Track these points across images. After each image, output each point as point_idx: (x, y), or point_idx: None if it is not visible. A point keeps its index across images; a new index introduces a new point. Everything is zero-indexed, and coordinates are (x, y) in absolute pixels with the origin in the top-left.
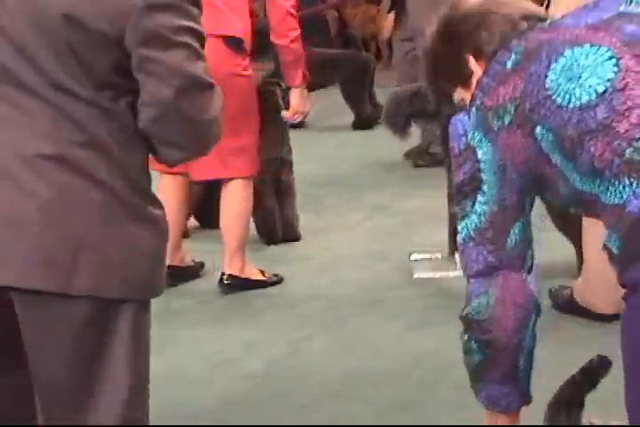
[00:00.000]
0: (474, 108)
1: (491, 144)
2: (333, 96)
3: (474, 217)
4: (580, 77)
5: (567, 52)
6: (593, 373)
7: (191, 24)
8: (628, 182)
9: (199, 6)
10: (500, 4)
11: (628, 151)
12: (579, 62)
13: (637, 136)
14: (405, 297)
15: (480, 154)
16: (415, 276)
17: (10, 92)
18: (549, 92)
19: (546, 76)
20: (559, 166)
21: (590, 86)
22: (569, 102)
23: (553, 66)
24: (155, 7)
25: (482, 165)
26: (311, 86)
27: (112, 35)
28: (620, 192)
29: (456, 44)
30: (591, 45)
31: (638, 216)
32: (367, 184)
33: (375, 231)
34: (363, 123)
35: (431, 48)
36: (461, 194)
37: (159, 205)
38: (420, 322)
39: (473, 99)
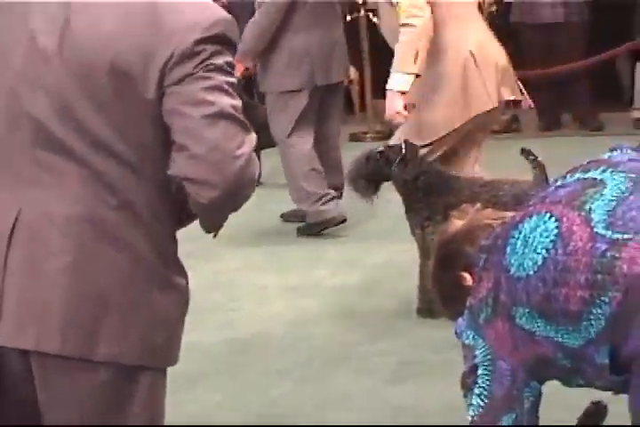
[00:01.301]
0: (466, 310)
1: (482, 340)
2: None
3: (473, 406)
4: (530, 244)
5: (514, 233)
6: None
7: (221, 61)
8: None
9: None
10: (481, 217)
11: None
12: (525, 234)
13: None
14: (380, 351)
15: (476, 351)
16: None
17: (43, 153)
18: (510, 272)
19: (504, 260)
20: (545, 337)
21: (539, 246)
22: (526, 270)
23: (507, 249)
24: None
25: (477, 360)
26: (260, 146)
27: (152, 82)
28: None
29: (449, 266)
30: (530, 216)
31: None
32: (329, 239)
33: (342, 287)
34: None
35: (433, 277)
36: (464, 385)
37: (184, 275)
38: (395, 377)
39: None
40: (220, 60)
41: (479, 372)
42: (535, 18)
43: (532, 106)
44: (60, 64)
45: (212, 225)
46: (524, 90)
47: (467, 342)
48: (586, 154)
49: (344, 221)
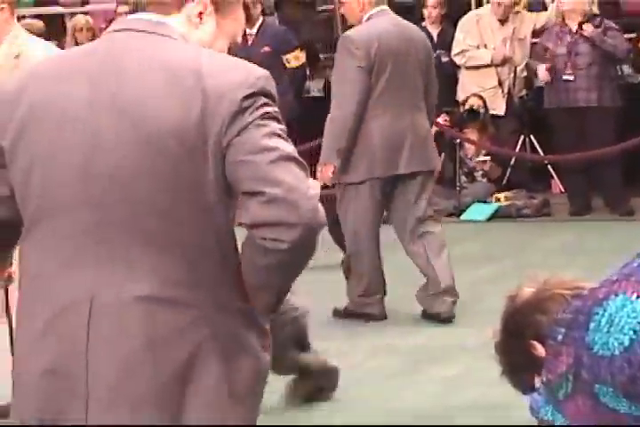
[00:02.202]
0: (542, 385)
1: (561, 415)
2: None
3: None
4: (616, 324)
5: (598, 310)
6: None
7: (270, 109)
8: None
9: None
10: (553, 286)
11: None
12: (610, 313)
13: None
14: None
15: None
16: None
17: (110, 234)
18: (593, 350)
19: (586, 337)
20: (628, 414)
21: (626, 326)
22: (611, 350)
23: (591, 326)
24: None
25: None
26: None
27: (212, 149)
28: None
29: (519, 334)
30: (616, 294)
31: None
32: (363, 323)
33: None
34: None
35: (500, 345)
36: None
37: (263, 339)
38: None
39: (541, 377)
40: (270, 109)
41: None
42: (569, 102)
43: (563, 190)
44: (117, 141)
45: (280, 291)
46: (553, 174)
47: (545, 417)
48: (617, 239)
49: (383, 319)
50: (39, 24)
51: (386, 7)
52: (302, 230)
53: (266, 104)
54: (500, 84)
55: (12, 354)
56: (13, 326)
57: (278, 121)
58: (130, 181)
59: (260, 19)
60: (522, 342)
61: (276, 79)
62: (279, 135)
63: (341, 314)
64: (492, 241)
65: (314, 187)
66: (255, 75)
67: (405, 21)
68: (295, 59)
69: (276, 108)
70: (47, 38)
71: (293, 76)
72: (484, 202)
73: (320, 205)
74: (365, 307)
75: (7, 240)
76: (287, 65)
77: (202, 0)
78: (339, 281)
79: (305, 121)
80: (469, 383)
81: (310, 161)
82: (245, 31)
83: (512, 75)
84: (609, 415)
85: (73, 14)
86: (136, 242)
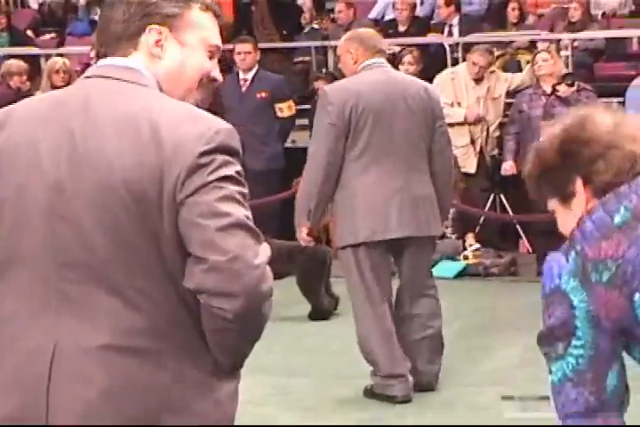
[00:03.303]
0: (573, 253)
1: (586, 295)
2: (288, 286)
3: (570, 359)
4: None
5: None
6: None
7: (229, 169)
8: None
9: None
10: (627, 137)
11: None
12: None
13: None
14: None
15: (575, 301)
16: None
17: (72, 284)
18: None
19: None
20: None
21: None
22: None
23: None
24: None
25: (576, 312)
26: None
27: (167, 202)
28: None
29: (571, 163)
30: None
31: None
32: (331, 375)
33: None
34: (319, 314)
35: (545, 151)
36: (552, 336)
37: (229, 386)
38: None
39: (572, 240)
40: (230, 170)
41: (577, 323)
42: None
43: (531, 250)
44: (74, 193)
45: (236, 355)
46: (522, 234)
47: (564, 286)
48: None
49: (408, 401)
50: (22, 64)
51: (380, 60)
52: (244, 301)
53: (226, 163)
54: (473, 142)
55: None
56: None
57: (237, 182)
58: (91, 231)
59: (256, 66)
60: (568, 170)
61: (267, 127)
62: (234, 199)
63: (369, 393)
64: (459, 298)
65: (262, 254)
66: (214, 128)
67: (403, 75)
68: (288, 108)
69: (238, 166)
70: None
71: (284, 126)
72: (452, 259)
73: (268, 273)
74: (387, 388)
75: None
76: (279, 114)
77: (151, 27)
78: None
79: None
80: None
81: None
82: (239, 76)
83: (485, 133)
84: (632, 323)
85: (48, 56)
86: (98, 291)
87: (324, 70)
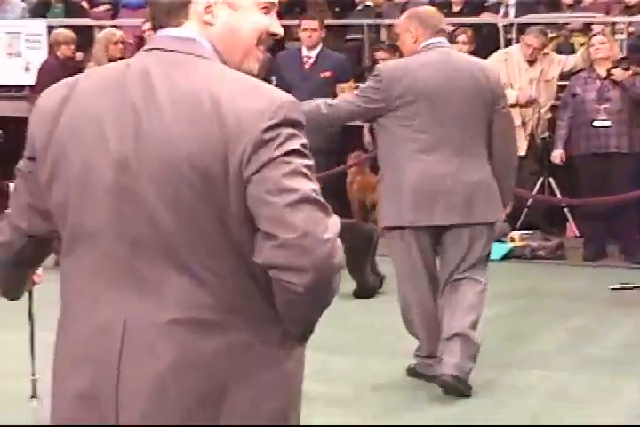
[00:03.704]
0: None
1: None
2: None
3: None
4: None
5: None
6: None
7: (296, 142)
8: None
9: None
10: None
11: None
12: None
13: None
14: None
15: None
16: None
17: (141, 262)
18: None
19: None
20: None
21: None
22: None
23: None
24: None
25: None
26: None
27: (233, 179)
28: None
29: None
30: None
31: None
32: (375, 353)
33: None
34: (365, 292)
35: None
36: None
37: (293, 360)
38: None
39: None
40: (295, 144)
41: None
42: (600, 147)
43: (578, 234)
44: (139, 169)
45: (306, 324)
46: (570, 218)
47: None
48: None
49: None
50: (69, 33)
51: (440, 40)
52: (314, 275)
53: (290, 136)
54: (524, 124)
55: (32, 358)
56: (35, 331)
57: (303, 155)
58: (156, 207)
59: (320, 44)
60: None
61: None
62: (302, 173)
63: (412, 373)
64: (503, 281)
65: (332, 228)
66: (277, 102)
67: (463, 56)
68: (349, 89)
69: (303, 139)
70: (76, 49)
71: None
72: (499, 241)
73: (338, 246)
74: (428, 368)
75: (41, 253)
76: (339, 94)
77: None
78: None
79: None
80: (469, 422)
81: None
82: (301, 53)
83: (536, 116)
84: None
85: (102, 27)
86: (165, 267)
87: (386, 42)
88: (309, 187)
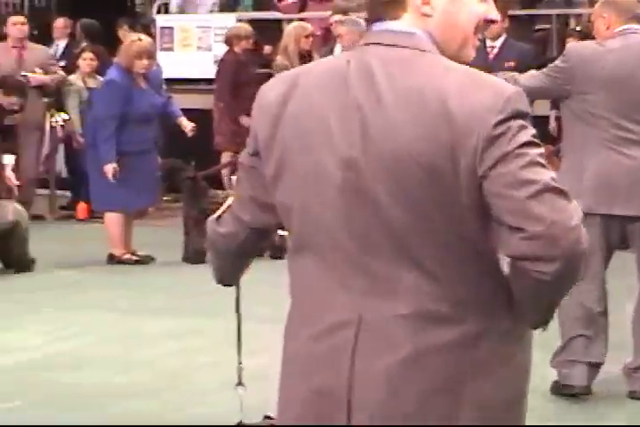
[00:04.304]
0: None
1: None
2: None
3: None
4: None
5: None
6: None
7: (527, 133)
8: None
9: None
10: None
11: None
12: None
13: None
14: None
15: None
16: None
17: (373, 261)
18: None
19: None
20: None
21: None
22: None
23: None
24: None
25: None
26: None
27: (464, 173)
28: None
29: None
30: None
31: None
32: None
33: None
34: None
35: None
36: None
37: (525, 352)
38: None
39: None
40: (526, 135)
41: None
42: None
43: None
44: (366, 168)
45: (549, 310)
46: None
47: None
48: None
49: (585, 394)
50: (248, 28)
51: (634, 26)
52: (564, 263)
53: (521, 128)
54: None
55: (238, 351)
56: (241, 323)
57: (536, 145)
58: (386, 205)
59: (504, 34)
60: None
61: None
62: (538, 163)
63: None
64: None
65: (576, 214)
66: (504, 95)
67: None
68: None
69: (532, 129)
70: (264, 42)
71: None
72: None
73: (584, 233)
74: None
75: (262, 244)
76: None
77: None
78: None
79: None
80: None
81: None
82: (485, 43)
83: None
84: None
85: (290, 20)
86: (397, 263)
87: (577, 28)
88: (548, 176)
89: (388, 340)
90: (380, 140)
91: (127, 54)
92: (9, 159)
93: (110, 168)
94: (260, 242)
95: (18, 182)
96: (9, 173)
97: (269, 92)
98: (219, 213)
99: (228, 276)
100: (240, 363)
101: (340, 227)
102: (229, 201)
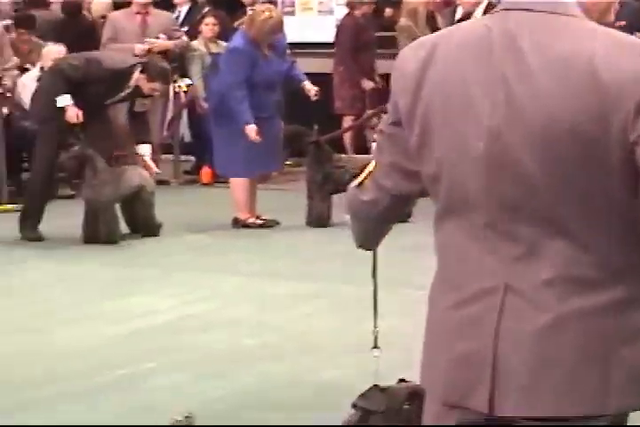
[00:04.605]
0: None
1: None
2: None
3: None
4: None
5: None
6: None
7: None
8: None
9: None
10: None
11: None
12: None
13: None
14: None
15: None
16: None
17: (518, 228)
18: None
19: None
20: None
21: None
22: None
23: None
24: None
25: None
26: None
27: (615, 142)
28: None
29: None
30: None
31: None
32: None
33: None
34: None
35: None
36: None
37: None
38: None
39: None
40: None
41: None
42: None
43: None
44: (511, 138)
45: None
46: None
47: None
48: None
49: None
50: None
51: None
52: None
53: None
54: None
55: (375, 311)
56: (377, 289)
57: None
58: (532, 174)
59: None
60: None
61: None
62: None
63: None
64: None
65: None
66: None
67: None
68: None
69: None
70: (385, 5)
71: None
72: None
73: None
74: None
75: (403, 211)
76: None
77: None
78: None
79: None
80: None
81: None
82: None
83: None
84: None
85: None
86: (544, 231)
87: None
88: None
89: (533, 304)
90: (527, 110)
91: (259, 30)
92: (145, 149)
93: (251, 129)
94: (401, 209)
95: (159, 171)
96: (149, 162)
97: (408, 59)
98: (360, 179)
99: (369, 241)
100: (376, 327)
101: (486, 196)
102: (370, 167)
